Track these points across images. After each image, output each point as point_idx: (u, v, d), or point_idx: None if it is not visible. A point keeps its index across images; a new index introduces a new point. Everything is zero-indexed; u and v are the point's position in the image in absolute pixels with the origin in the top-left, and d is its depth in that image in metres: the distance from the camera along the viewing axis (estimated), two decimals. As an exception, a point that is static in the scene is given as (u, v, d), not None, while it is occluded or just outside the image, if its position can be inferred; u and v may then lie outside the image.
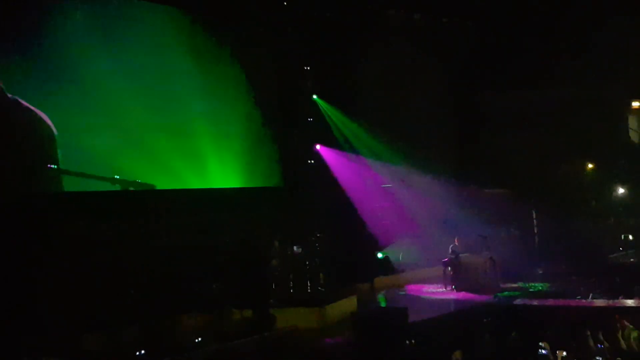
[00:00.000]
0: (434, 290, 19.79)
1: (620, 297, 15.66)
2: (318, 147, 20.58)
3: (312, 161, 20.37)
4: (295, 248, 17.55)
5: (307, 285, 17.25)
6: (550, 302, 16.30)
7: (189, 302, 15.22)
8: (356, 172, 21.06)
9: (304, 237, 17.76)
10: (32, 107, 14.26)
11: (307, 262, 17.45)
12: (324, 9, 20.00)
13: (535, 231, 21.99)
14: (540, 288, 18.79)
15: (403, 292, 20.03)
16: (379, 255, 21.16)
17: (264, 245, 17.04)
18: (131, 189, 16.08)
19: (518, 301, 16.94)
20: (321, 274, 17.58)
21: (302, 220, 18.93)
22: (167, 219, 16.45)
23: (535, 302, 16.43)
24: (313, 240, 17.93)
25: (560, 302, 16.19)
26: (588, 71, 21.40)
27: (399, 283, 21.02)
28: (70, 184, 15.08)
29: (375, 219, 20.72)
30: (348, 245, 19.62)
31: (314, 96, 20.68)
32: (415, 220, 21.05)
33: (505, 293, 18.27)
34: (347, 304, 16.52)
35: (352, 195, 20.47)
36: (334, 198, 19.97)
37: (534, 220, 22.07)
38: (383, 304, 18.51)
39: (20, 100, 14.09)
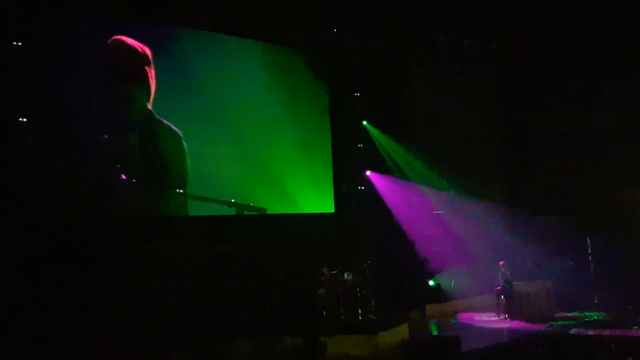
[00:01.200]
0: (487, 319, 19.56)
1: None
2: (368, 173, 20.59)
3: (363, 187, 20.38)
4: (345, 275, 17.48)
5: (358, 312, 17.16)
6: (606, 332, 15.99)
7: (239, 329, 15.25)
8: (406, 198, 20.99)
9: (355, 264, 17.69)
10: (172, 126, 15.85)
11: (358, 289, 17.36)
12: (373, 35, 20.08)
13: (590, 259, 21.57)
14: (596, 317, 18.45)
15: (455, 320, 19.84)
16: (431, 282, 20.99)
17: (314, 272, 17.03)
18: (245, 212, 17.04)
19: (573, 331, 16.67)
20: (372, 301, 17.47)
21: (353, 246, 18.90)
22: (216, 244, 16.60)
23: (590, 332, 16.15)
24: (364, 267, 17.84)
25: (617, 332, 15.88)
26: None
27: (451, 310, 20.83)
28: (194, 209, 16.31)
29: (427, 246, 20.59)
30: (399, 272, 19.52)
31: (364, 122, 20.73)
32: (468, 247, 20.86)
33: (560, 322, 17.98)
34: (399, 332, 16.39)
35: (402, 222, 20.40)
36: (385, 224, 19.93)
37: (589, 248, 21.65)
38: (435, 332, 18.33)
39: (162, 120, 15.73)
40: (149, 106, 15.55)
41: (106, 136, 14.71)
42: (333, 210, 19.66)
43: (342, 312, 16.98)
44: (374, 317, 16.91)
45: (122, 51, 15.11)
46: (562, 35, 21.76)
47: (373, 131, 20.87)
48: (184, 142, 16.06)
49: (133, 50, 15.33)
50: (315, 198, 19.18)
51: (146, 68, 15.45)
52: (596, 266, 21.24)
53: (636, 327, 16.26)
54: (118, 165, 14.91)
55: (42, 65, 14.00)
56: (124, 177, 14.97)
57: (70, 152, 14.18)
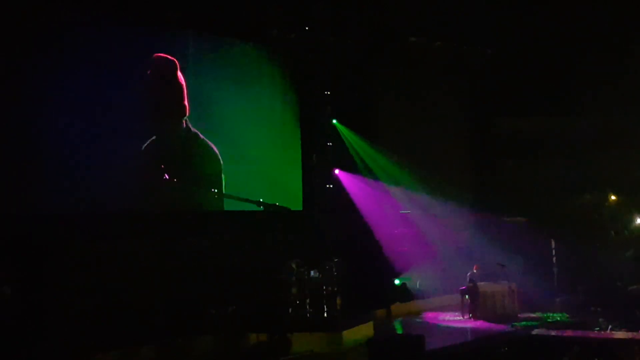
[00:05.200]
0: (452, 318, 19.68)
1: (639, 330, 15.53)
2: (337, 171, 20.61)
3: (331, 185, 20.40)
4: (312, 272, 17.49)
5: (324, 310, 17.19)
6: (568, 332, 16.19)
7: (205, 324, 15.21)
8: (375, 197, 21.01)
9: (322, 262, 17.72)
10: (207, 141, 17.33)
11: (324, 287, 17.39)
12: (345, 34, 20.11)
13: (554, 261, 21.80)
14: (558, 318, 18.64)
15: (420, 320, 19.94)
16: (397, 281, 21.06)
17: (281, 269, 17.02)
18: (271, 210, 17.61)
19: (536, 331, 16.83)
20: (338, 299, 17.49)
21: (320, 244, 18.93)
22: (184, 240, 16.56)
23: (553, 333, 16.33)
24: (330, 265, 17.88)
25: (579, 333, 16.08)
26: (610, 100, 21.30)
27: (417, 310, 20.93)
28: (229, 205, 17.81)
29: (394, 245, 20.64)
30: (365, 271, 19.56)
31: (334, 121, 20.74)
32: (434, 247, 20.98)
33: (523, 323, 18.13)
34: (364, 330, 16.44)
35: (370, 221, 20.43)
36: (352, 223, 19.96)
37: (553, 250, 21.88)
38: (400, 331, 18.42)
39: (199, 134, 17.14)
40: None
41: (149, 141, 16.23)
42: (301, 208, 19.67)
43: (307, 310, 16.99)
44: (339, 315, 16.94)
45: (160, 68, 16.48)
46: (530, 39, 21.99)
47: (343, 130, 20.88)
48: (215, 150, 17.50)
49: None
50: (284, 195, 19.17)
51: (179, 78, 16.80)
52: (559, 268, 21.48)
53: (598, 328, 16.46)
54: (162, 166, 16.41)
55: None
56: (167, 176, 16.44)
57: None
